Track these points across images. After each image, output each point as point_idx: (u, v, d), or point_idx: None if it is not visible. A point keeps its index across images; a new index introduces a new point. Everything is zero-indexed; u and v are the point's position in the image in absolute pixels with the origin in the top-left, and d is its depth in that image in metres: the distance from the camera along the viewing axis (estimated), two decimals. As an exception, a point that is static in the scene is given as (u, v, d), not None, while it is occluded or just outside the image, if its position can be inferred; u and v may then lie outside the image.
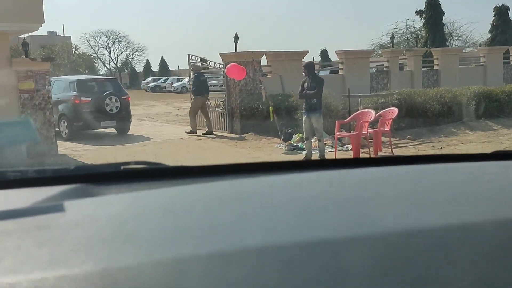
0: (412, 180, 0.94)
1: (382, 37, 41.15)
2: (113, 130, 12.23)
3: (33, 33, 19.23)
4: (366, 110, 9.26)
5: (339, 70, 14.33)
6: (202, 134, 11.39)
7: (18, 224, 0.69)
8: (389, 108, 9.59)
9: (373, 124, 8.89)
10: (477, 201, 0.78)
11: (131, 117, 12.25)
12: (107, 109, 11.49)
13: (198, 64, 12.12)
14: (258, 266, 0.54)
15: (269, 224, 0.66)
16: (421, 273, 0.54)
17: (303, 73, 8.72)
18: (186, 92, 28.69)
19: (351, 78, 13.10)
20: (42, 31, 22.16)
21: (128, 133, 12.28)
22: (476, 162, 1.19)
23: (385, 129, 8.94)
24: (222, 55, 12.05)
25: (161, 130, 12.72)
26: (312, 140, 8.40)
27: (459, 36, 39.65)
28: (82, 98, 11.32)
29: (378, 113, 9.15)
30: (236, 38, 12.32)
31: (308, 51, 12.98)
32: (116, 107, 11.63)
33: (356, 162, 1.44)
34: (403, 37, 38.16)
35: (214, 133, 11.61)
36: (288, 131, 9.97)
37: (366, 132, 8.56)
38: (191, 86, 12.02)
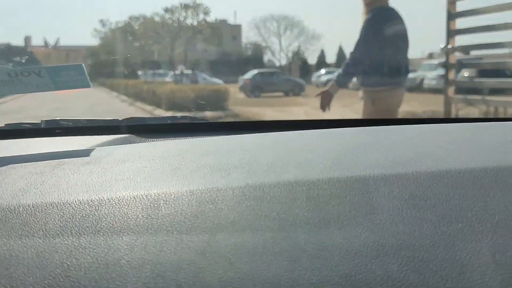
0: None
1: None
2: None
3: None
4: None
5: None
6: None
7: (72, 160, 0.77)
8: None
9: None
10: None
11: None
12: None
13: None
14: (290, 200, 0.58)
15: (304, 164, 0.69)
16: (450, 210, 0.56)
17: None
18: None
19: None
20: (212, 18, 18.07)
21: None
22: None
23: None
24: None
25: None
26: None
27: None
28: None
29: None
30: None
31: None
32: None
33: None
34: None
35: None
36: None
37: None
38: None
